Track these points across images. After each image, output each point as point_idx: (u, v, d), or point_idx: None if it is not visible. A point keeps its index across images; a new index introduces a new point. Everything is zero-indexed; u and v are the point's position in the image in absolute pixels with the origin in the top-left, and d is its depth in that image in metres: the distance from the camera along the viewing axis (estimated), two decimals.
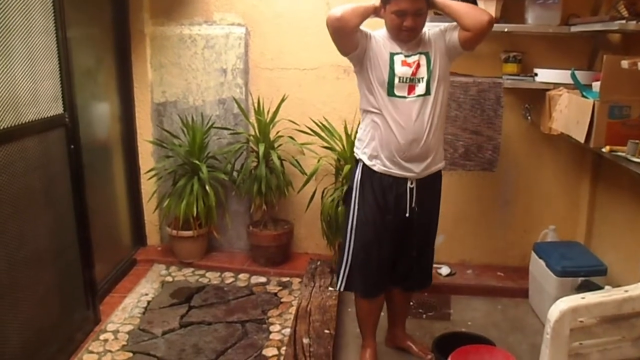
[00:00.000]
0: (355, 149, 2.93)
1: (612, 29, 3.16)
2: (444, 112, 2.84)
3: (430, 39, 2.75)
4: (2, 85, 2.54)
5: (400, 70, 2.68)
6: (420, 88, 2.70)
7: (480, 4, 3.54)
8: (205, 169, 4.07)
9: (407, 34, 2.67)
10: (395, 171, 2.77)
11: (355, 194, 2.89)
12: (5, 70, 2.58)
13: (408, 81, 2.69)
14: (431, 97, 2.71)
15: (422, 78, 2.69)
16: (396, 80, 2.68)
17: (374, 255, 2.89)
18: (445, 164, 2.99)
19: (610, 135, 2.93)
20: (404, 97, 2.69)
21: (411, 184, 2.80)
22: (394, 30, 2.68)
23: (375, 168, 2.80)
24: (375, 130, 2.77)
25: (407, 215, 2.83)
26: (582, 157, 3.96)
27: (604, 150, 2.93)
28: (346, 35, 2.64)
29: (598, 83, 2.99)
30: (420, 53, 2.72)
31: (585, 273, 3.37)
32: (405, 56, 2.70)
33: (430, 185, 2.90)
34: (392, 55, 2.70)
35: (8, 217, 2.64)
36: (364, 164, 2.84)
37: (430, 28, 2.79)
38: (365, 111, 2.83)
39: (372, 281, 2.96)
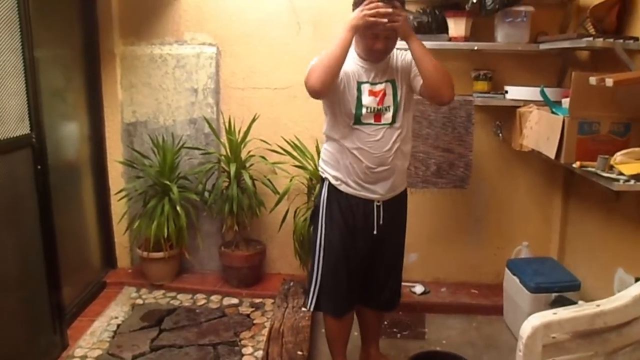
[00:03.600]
0: (320, 168, 2.91)
1: (579, 46, 3.21)
2: (409, 135, 2.83)
3: (398, 67, 2.73)
4: None
5: (367, 100, 2.67)
6: (387, 117, 2.69)
7: (451, 24, 3.58)
8: (176, 190, 4.01)
9: (378, 56, 2.66)
10: (362, 193, 2.77)
11: (322, 212, 2.86)
12: None
13: (375, 111, 2.68)
14: (397, 125, 2.71)
15: (389, 107, 2.69)
16: (363, 111, 2.67)
17: (343, 274, 2.86)
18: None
19: (581, 150, 2.96)
20: (370, 124, 2.68)
21: (378, 202, 2.79)
22: (366, 51, 2.65)
23: (341, 188, 2.79)
24: (340, 155, 2.75)
25: (375, 232, 2.81)
26: (554, 173, 3.98)
27: (574, 165, 2.95)
28: (329, 92, 2.62)
29: (567, 99, 3.02)
30: (387, 81, 2.70)
31: (559, 289, 3.38)
32: (372, 84, 2.68)
33: (397, 204, 2.90)
34: (359, 84, 2.67)
35: None
36: (330, 183, 2.83)
37: (401, 50, 2.74)
38: (330, 137, 2.81)
39: (341, 300, 2.93)
